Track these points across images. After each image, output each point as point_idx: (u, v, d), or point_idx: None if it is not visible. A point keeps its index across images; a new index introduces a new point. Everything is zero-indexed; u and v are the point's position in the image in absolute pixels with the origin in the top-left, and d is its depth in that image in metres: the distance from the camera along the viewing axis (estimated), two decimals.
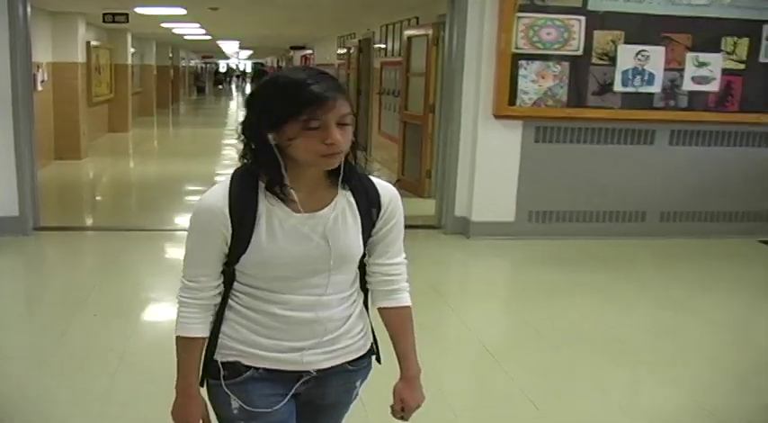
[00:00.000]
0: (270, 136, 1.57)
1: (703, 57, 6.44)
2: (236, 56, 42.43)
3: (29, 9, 6.17)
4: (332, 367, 1.74)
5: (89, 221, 7.79)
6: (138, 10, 10.60)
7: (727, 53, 6.48)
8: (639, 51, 6.37)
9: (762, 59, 6.51)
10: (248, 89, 38.13)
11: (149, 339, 4.16)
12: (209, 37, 18.97)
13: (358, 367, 1.80)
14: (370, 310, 1.84)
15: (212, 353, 1.71)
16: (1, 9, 5.87)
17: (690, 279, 5.65)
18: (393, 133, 9.99)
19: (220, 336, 1.70)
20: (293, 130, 1.55)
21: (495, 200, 6.49)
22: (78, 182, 9.94)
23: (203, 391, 1.75)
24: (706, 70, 6.46)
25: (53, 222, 6.61)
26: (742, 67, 6.51)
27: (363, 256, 1.75)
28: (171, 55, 23.27)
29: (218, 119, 22.73)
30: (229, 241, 1.63)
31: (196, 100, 32.20)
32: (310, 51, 22.36)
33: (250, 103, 1.64)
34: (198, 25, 14.77)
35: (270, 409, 1.70)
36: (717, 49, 6.46)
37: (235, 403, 1.70)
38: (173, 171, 10.85)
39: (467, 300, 5.25)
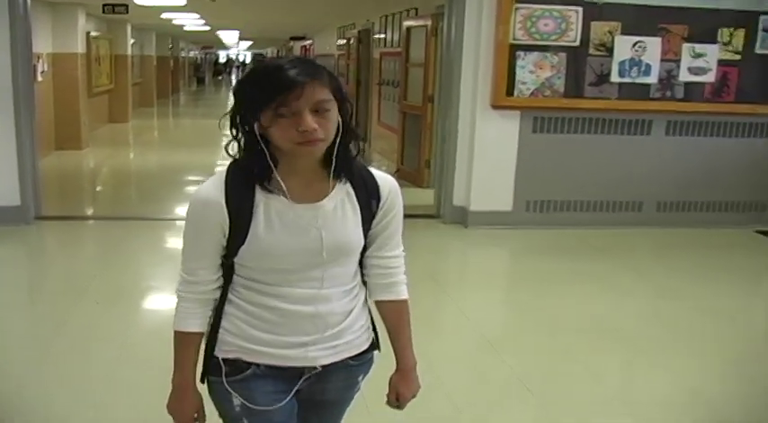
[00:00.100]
0: (255, 125, 1.56)
1: (700, 47, 6.47)
2: (236, 46, 42.37)
3: (29, 0, 6.19)
4: (334, 363, 1.72)
5: (90, 211, 7.83)
6: (138, 1, 10.60)
7: (724, 44, 6.51)
8: (636, 42, 6.40)
9: (758, 50, 6.53)
10: None
11: (150, 327, 4.20)
12: (208, 27, 18.96)
13: (360, 362, 1.78)
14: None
15: (212, 349, 1.69)
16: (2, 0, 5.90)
17: (686, 268, 5.70)
18: (392, 124, 10.02)
19: (220, 331, 1.68)
20: (267, 117, 1.53)
21: (493, 189, 6.54)
22: (79, 172, 9.98)
23: (204, 388, 1.74)
24: (702, 61, 6.49)
25: (54, 212, 6.65)
26: (738, 57, 6.54)
27: (364, 248, 1.73)
28: (171, 46, 23.27)
29: (217, 109, 22.63)
30: (227, 233, 1.61)
31: (196, 91, 32.19)
32: (310, 42, 22.35)
33: (235, 92, 1.62)
34: (198, 16, 14.79)
35: (272, 407, 1.68)
36: (713, 40, 6.49)
37: (236, 401, 1.68)
38: (173, 161, 10.89)
39: (464, 288, 5.30)
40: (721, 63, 6.53)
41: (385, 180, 1.72)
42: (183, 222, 1.67)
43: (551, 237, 6.39)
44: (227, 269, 1.67)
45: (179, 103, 24.34)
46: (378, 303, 1.81)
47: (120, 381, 3.48)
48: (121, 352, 3.78)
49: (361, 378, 1.82)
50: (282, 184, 1.60)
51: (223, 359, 1.68)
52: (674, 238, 6.54)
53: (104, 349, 3.82)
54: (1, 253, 5.67)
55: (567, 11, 6.24)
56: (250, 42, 35.77)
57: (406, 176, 8.57)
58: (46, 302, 4.68)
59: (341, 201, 1.65)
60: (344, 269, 1.70)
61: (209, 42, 33.66)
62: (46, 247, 6.20)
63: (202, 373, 1.72)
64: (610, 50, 6.38)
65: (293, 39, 23.82)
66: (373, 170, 1.72)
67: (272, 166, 1.59)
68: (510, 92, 6.31)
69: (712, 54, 6.50)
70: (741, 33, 6.51)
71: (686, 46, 6.46)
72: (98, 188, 9.40)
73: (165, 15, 13.98)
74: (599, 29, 6.34)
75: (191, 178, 8.94)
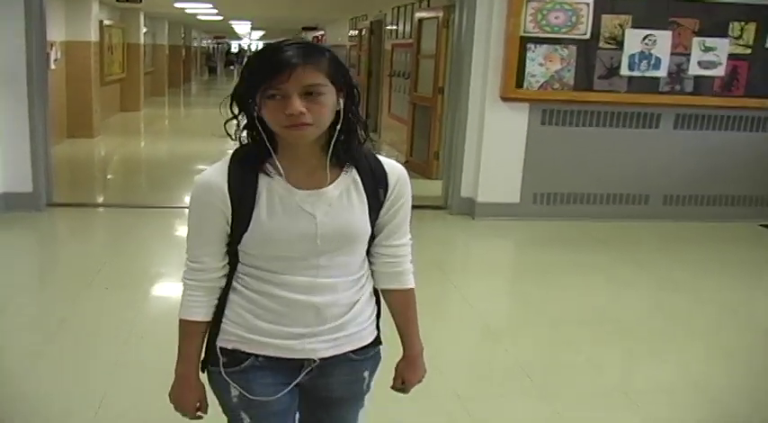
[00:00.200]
0: (255, 109, 1.55)
1: (710, 41, 6.46)
2: (248, 36, 42.35)
3: None
4: (335, 356, 1.69)
5: (101, 198, 7.90)
6: None
7: (735, 38, 6.50)
8: (647, 36, 6.40)
9: None
10: None
11: (159, 312, 4.24)
12: (221, 17, 19.00)
13: (363, 357, 1.74)
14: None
15: (214, 338, 1.67)
16: None
17: (691, 261, 5.72)
18: (403, 115, 10.04)
19: (223, 320, 1.66)
20: (260, 100, 1.52)
21: (501, 181, 6.57)
22: (90, 159, 10.06)
23: (204, 377, 1.73)
24: (712, 55, 6.49)
25: (66, 199, 6.72)
26: (748, 51, 6.53)
27: (372, 237, 1.70)
28: (183, 35, 23.31)
29: (228, 100, 22.71)
30: (230, 220, 1.59)
31: (207, 80, 32.27)
32: (322, 32, 22.35)
33: (240, 74, 1.62)
34: (210, 5, 14.82)
35: (269, 398, 1.67)
36: (724, 34, 6.48)
37: (234, 391, 1.67)
38: (183, 150, 10.95)
39: (469, 278, 5.33)
40: (731, 57, 6.52)
41: (393, 168, 1.69)
42: None
43: (558, 229, 6.41)
44: (232, 257, 1.65)
45: (190, 92, 24.41)
46: (384, 292, 1.79)
47: (130, 359, 3.54)
48: (130, 335, 3.84)
49: (366, 374, 1.77)
50: (281, 168, 1.58)
51: (222, 349, 1.66)
52: (679, 231, 6.56)
53: (115, 329, 3.89)
54: (13, 239, 5.74)
55: (578, 3, 6.24)
56: (262, 32, 35.77)
57: (416, 168, 8.60)
58: (57, 286, 4.75)
59: (346, 188, 1.62)
60: (351, 258, 1.67)
61: (222, 32, 33.71)
62: (57, 234, 6.28)
63: (202, 363, 1.71)
64: (620, 44, 6.38)
65: (305, 29, 23.81)
66: (382, 158, 1.69)
67: (271, 150, 1.58)
68: (519, 84, 6.33)
69: (723, 48, 6.49)
70: (752, 27, 6.50)
71: (696, 40, 6.46)
72: (109, 176, 9.48)
73: (178, 5, 14.03)
74: (609, 22, 6.34)
75: (201, 167, 8.83)
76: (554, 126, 6.52)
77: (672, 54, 6.45)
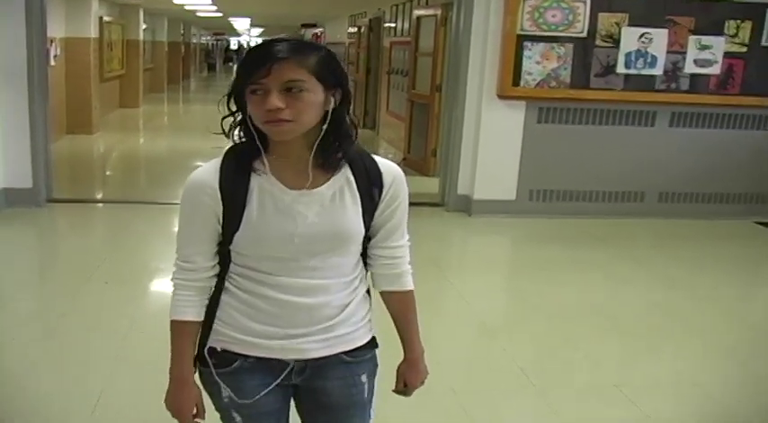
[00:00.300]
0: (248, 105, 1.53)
1: (706, 40, 6.50)
2: (247, 33, 42.33)
3: None
4: (327, 358, 1.66)
5: (100, 194, 7.94)
6: None
7: (730, 36, 6.54)
8: (643, 34, 6.44)
9: (764, 43, 6.57)
10: None
11: (159, 306, 4.24)
12: (220, 14, 19.01)
13: (357, 359, 1.71)
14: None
15: (205, 338, 1.66)
16: None
17: (687, 258, 5.76)
18: (401, 112, 10.08)
19: (215, 321, 1.65)
20: (246, 96, 1.51)
21: (498, 178, 6.61)
22: (90, 156, 10.10)
23: (197, 377, 1.71)
24: (708, 53, 6.53)
25: (65, 195, 6.75)
26: (744, 50, 6.57)
27: (368, 239, 1.68)
28: (182, 31, 23.31)
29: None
30: (221, 219, 1.57)
31: (206, 77, 32.24)
32: (321, 29, 22.36)
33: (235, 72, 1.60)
34: (210, 2, 14.83)
35: (256, 398, 1.65)
36: (720, 33, 6.52)
37: (225, 392, 1.66)
38: (182, 146, 10.96)
39: (466, 274, 5.37)
40: (727, 55, 6.56)
41: (389, 168, 1.65)
42: None
43: (553, 226, 6.45)
44: (224, 258, 1.63)
45: (189, 89, 24.41)
46: (383, 294, 1.76)
47: (131, 352, 3.59)
48: (130, 330, 3.87)
49: (364, 378, 1.73)
50: (268, 166, 1.56)
51: (211, 348, 1.65)
52: (674, 228, 6.60)
53: (113, 327, 3.91)
54: (13, 234, 5.78)
55: (575, 2, 6.27)
56: (261, 29, 35.76)
57: (413, 165, 8.64)
58: (57, 281, 4.79)
59: (340, 188, 1.59)
60: (344, 259, 1.64)
61: (221, 28, 33.70)
62: (57, 229, 6.31)
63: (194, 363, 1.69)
64: (616, 42, 6.42)
65: (304, 26, 23.82)
66: (378, 158, 1.66)
67: (261, 148, 1.56)
68: (516, 82, 6.37)
69: (718, 46, 6.53)
70: (748, 26, 6.54)
71: (693, 38, 6.50)
72: (108, 172, 9.50)
73: (177, 1, 14.03)
74: (606, 20, 6.38)
75: (199, 163, 8.80)
76: (550, 124, 6.56)
77: (668, 52, 6.49)
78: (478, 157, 6.54)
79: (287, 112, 1.47)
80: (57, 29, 9.78)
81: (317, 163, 1.57)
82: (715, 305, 4.78)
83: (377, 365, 1.78)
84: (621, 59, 6.45)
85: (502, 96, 6.41)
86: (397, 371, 1.83)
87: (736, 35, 6.54)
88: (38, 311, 4.28)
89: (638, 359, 3.93)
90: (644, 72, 6.49)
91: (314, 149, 1.56)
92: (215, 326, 1.65)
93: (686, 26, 6.47)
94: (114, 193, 8.01)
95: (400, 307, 1.77)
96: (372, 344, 1.75)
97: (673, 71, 6.53)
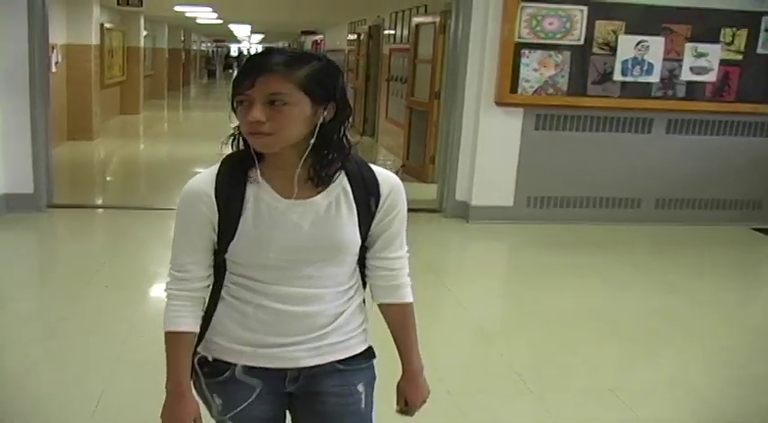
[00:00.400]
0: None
1: (702, 47, 6.55)
2: (247, 40, 42.44)
3: None
4: (321, 366, 1.64)
5: (100, 200, 7.96)
6: None
7: (726, 44, 6.59)
8: (640, 41, 6.48)
9: (760, 50, 6.62)
10: None
11: (158, 310, 4.24)
12: (221, 21, 19.08)
13: (352, 368, 1.68)
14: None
15: (197, 347, 1.65)
16: None
17: (685, 264, 5.79)
18: (400, 119, 10.11)
19: (208, 330, 1.64)
20: (236, 106, 1.52)
21: (495, 185, 6.64)
22: (90, 162, 10.13)
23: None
24: (704, 61, 6.57)
25: (66, 200, 6.78)
26: (740, 57, 6.62)
27: (365, 249, 1.67)
28: (183, 38, 23.38)
29: (228, 103, 22.55)
30: (217, 228, 1.56)
31: (207, 84, 32.34)
32: (321, 37, 22.43)
33: None
34: (210, 9, 14.89)
35: (247, 404, 1.63)
36: (716, 40, 6.57)
37: (218, 400, 1.65)
38: (182, 153, 10.97)
39: (463, 281, 5.38)
40: (723, 63, 6.61)
41: (387, 178, 1.63)
42: None
43: (551, 232, 6.48)
44: (220, 267, 1.61)
45: (190, 95, 24.47)
46: (381, 307, 1.74)
47: (130, 355, 3.61)
48: (129, 334, 3.89)
49: (361, 388, 1.70)
50: (260, 176, 1.55)
51: (203, 357, 1.65)
52: (671, 234, 6.63)
53: (112, 330, 3.94)
54: (14, 239, 5.81)
55: (572, 10, 6.32)
56: (262, 36, 35.84)
57: (412, 172, 8.67)
58: (56, 286, 4.81)
59: (336, 198, 1.58)
60: (340, 269, 1.63)
61: (221, 35, 33.78)
62: (57, 234, 6.34)
63: None
64: (613, 49, 6.46)
65: (304, 33, 23.89)
66: (375, 168, 1.64)
67: (255, 157, 1.55)
68: (514, 89, 6.41)
69: (714, 54, 6.58)
70: (744, 33, 6.59)
71: (689, 46, 6.54)
72: (108, 178, 9.54)
73: (178, 8, 14.09)
74: (603, 28, 6.42)
75: (199, 170, 8.86)
76: (548, 131, 6.60)
77: (664, 60, 6.54)
78: (476, 164, 6.58)
79: (267, 125, 1.46)
80: (58, 35, 9.81)
81: (307, 176, 1.56)
82: (713, 310, 4.80)
83: (374, 377, 1.75)
84: (618, 67, 6.50)
85: (500, 103, 6.45)
86: (397, 388, 1.79)
87: (732, 43, 6.59)
88: (38, 314, 4.31)
89: (635, 364, 3.95)
90: (640, 79, 6.53)
91: (301, 163, 1.54)
92: (207, 335, 1.64)
93: (682, 34, 6.52)
94: (114, 198, 8.05)
95: (398, 319, 1.74)
96: (369, 354, 1.73)
97: (669, 79, 6.57)
